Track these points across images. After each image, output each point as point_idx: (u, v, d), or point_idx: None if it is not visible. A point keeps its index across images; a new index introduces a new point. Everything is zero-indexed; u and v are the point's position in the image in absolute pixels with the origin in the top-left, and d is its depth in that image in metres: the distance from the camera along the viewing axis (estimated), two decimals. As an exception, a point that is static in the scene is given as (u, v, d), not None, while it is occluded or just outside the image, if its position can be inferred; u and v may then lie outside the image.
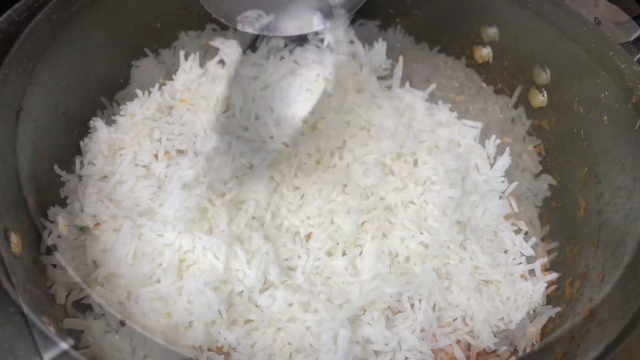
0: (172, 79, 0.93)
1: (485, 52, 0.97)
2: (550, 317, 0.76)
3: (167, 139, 0.86)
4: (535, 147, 0.92)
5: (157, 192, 0.78)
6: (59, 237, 0.72)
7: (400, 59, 0.99)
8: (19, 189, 0.67)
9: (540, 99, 0.89)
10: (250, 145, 0.84)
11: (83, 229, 0.76)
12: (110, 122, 0.87)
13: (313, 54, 0.95)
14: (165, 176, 0.81)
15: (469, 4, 0.94)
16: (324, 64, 0.91)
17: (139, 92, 0.89)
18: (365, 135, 0.88)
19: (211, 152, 0.82)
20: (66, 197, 0.78)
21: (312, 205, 0.79)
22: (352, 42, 0.95)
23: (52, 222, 0.72)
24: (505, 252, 0.82)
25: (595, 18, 0.81)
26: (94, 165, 0.81)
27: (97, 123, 0.84)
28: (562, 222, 0.84)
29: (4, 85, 0.65)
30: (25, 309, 0.58)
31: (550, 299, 0.79)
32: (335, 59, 0.93)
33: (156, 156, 0.84)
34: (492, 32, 0.95)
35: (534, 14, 0.83)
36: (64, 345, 0.53)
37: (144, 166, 0.82)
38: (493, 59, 0.99)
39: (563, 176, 0.86)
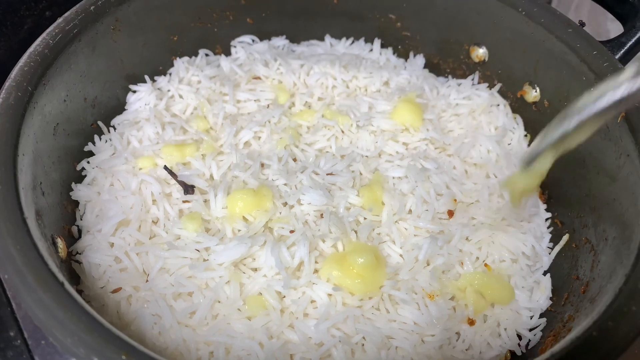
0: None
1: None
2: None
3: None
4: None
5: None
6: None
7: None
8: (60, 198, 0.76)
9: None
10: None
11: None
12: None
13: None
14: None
15: (458, 25, 0.97)
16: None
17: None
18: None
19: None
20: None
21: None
22: None
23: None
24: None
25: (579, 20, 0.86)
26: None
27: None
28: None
29: (6, 107, 0.65)
30: (27, 334, 0.58)
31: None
32: None
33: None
34: (481, 52, 0.98)
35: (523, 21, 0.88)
36: None
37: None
38: (482, 79, 1.01)
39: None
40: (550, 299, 0.80)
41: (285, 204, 0.81)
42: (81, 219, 0.79)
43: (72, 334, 0.49)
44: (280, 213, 0.80)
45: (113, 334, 0.50)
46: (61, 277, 0.53)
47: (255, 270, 0.75)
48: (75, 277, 0.73)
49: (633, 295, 0.56)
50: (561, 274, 0.81)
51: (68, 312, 0.50)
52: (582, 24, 0.85)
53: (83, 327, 0.49)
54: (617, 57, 0.84)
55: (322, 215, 0.80)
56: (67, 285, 0.53)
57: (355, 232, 0.79)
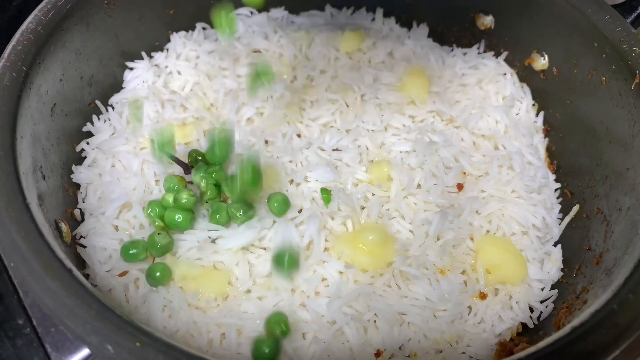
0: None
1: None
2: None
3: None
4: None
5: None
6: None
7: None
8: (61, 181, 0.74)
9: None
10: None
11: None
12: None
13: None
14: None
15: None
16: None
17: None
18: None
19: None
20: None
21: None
22: None
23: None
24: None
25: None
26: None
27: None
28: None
29: (1, 89, 0.62)
30: (35, 321, 0.56)
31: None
32: None
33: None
34: (487, 19, 0.95)
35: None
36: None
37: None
38: (488, 48, 0.99)
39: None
40: (562, 270, 0.79)
41: (291, 181, 0.80)
42: (83, 202, 0.77)
43: (84, 322, 0.48)
44: (287, 191, 0.79)
45: (125, 321, 0.48)
46: (68, 263, 0.52)
47: (264, 249, 0.74)
48: (81, 262, 0.72)
49: (653, 267, 0.55)
50: (572, 245, 0.80)
51: (78, 299, 0.49)
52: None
53: (94, 315, 0.48)
54: (628, 20, 0.81)
55: (330, 192, 0.78)
56: (75, 272, 0.51)
57: (364, 208, 0.78)
